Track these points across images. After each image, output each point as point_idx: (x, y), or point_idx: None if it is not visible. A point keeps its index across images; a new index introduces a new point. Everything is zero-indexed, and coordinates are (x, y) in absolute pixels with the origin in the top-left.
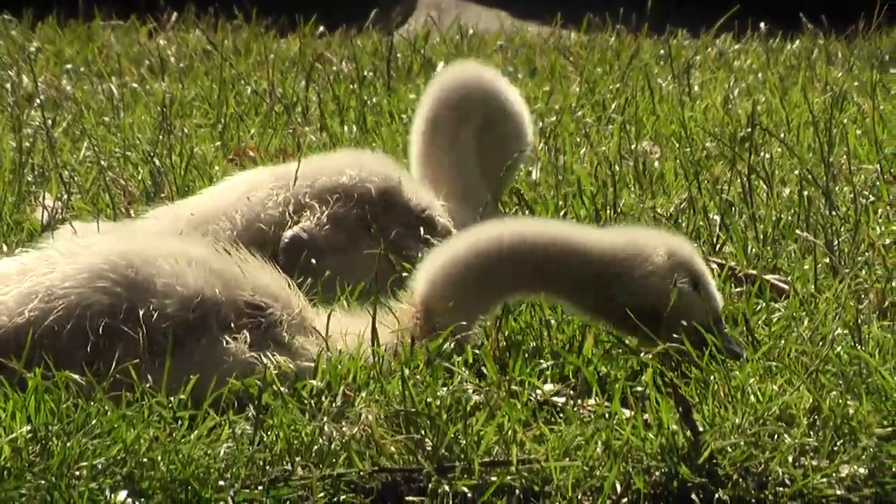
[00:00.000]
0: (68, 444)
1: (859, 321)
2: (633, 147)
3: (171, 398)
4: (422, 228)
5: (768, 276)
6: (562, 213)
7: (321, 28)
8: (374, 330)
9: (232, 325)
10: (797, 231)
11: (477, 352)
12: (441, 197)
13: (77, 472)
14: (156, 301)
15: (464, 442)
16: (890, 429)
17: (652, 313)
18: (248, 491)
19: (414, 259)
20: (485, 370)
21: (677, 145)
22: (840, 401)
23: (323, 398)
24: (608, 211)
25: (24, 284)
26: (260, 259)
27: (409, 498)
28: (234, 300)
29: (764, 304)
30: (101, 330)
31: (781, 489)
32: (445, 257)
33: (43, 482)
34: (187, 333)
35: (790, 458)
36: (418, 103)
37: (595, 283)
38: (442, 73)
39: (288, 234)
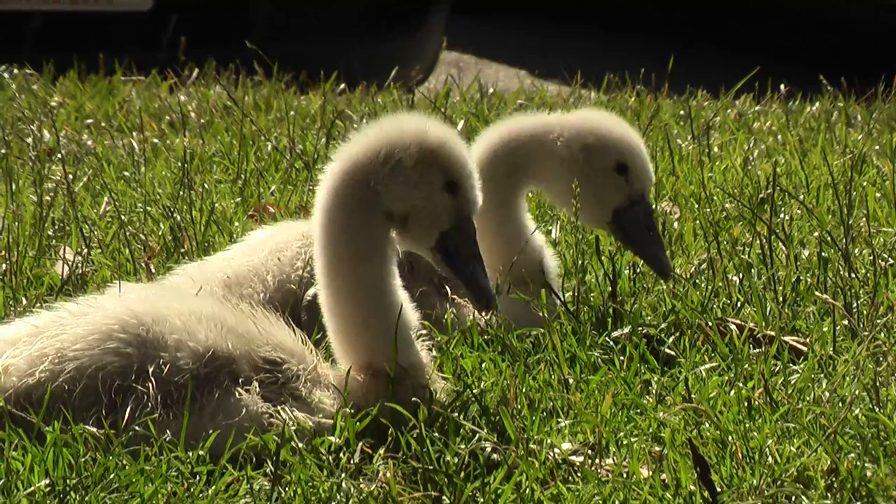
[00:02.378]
0: (86, 499)
1: (877, 383)
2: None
3: (189, 453)
4: (447, 288)
5: (787, 338)
6: (581, 273)
7: (342, 85)
8: (392, 385)
9: (245, 379)
10: (816, 293)
11: (490, 399)
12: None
13: None
14: (167, 355)
15: (481, 500)
16: None
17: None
18: None
19: (439, 318)
20: (503, 428)
21: (697, 206)
22: (858, 463)
23: (341, 454)
24: (628, 271)
25: (34, 346)
26: (273, 315)
27: None
28: (250, 355)
29: (782, 366)
30: (113, 390)
31: None
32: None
33: None
34: (199, 388)
35: None
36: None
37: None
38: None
39: (311, 291)
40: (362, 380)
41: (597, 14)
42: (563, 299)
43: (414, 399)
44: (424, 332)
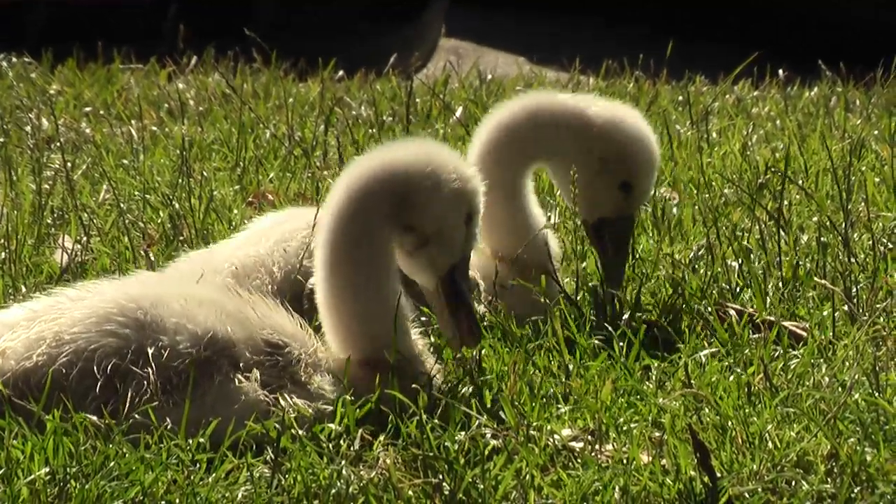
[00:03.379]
0: (86, 487)
1: (877, 368)
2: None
3: (190, 440)
4: None
5: (786, 323)
6: (580, 258)
7: (340, 72)
8: (392, 371)
9: (245, 364)
10: (815, 278)
11: (495, 394)
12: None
13: None
14: (165, 339)
15: (481, 486)
16: None
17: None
18: None
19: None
20: (503, 414)
21: (696, 191)
22: (858, 448)
23: (341, 441)
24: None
25: (32, 330)
26: (273, 302)
27: None
28: (252, 338)
29: (782, 351)
30: (110, 373)
31: None
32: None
33: None
34: (200, 372)
35: None
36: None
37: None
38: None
39: (312, 280)
40: (363, 372)
41: (596, 9)
42: (563, 286)
43: (414, 386)
44: (420, 318)
